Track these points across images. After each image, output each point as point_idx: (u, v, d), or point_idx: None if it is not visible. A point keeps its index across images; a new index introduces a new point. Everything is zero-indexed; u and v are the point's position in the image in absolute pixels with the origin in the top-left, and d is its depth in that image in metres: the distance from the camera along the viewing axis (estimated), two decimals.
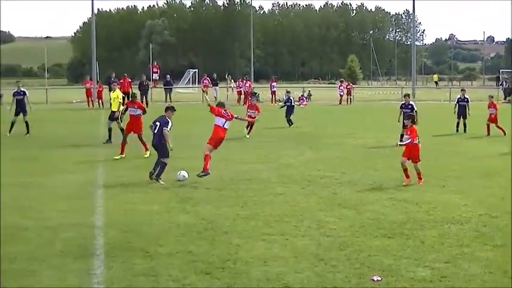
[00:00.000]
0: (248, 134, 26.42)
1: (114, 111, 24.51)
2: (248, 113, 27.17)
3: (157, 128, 16.52)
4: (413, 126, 16.61)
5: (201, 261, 9.71)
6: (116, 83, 29.88)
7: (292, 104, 33.59)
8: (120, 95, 25.67)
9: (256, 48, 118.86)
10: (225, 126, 16.97)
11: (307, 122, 34.38)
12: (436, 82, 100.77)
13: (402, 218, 12.55)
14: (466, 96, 29.62)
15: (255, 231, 11.57)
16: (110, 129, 24.64)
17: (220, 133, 16.88)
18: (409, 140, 16.34)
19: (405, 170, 16.18)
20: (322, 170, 18.41)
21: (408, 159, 16.29)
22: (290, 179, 17.04)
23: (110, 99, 25.44)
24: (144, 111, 21.98)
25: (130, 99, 24.36)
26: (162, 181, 16.04)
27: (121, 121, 24.09)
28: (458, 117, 29.20)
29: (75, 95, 56.44)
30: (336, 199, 14.45)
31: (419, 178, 16.21)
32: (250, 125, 26.22)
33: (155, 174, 16.24)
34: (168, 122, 16.71)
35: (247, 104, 33.57)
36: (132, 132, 21.39)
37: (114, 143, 23.35)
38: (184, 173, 16.42)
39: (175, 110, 17.41)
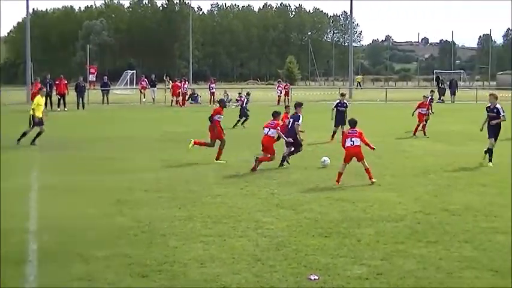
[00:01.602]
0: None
1: (39, 117, 24.41)
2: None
3: None
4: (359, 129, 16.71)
5: (137, 264, 9.61)
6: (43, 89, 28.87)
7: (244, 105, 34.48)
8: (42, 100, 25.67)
9: (195, 49, 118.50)
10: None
11: (248, 122, 34.36)
12: (358, 83, 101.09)
13: (339, 217, 12.66)
14: (345, 101, 27.49)
15: (193, 232, 11.50)
16: (40, 133, 24.47)
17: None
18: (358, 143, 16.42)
19: (340, 174, 16.30)
20: (258, 171, 18.44)
21: (348, 162, 16.48)
22: (229, 180, 17.03)
23: (34, 104, 25.03)
24: None
25: None
26: None
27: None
28: (336, 125, 26.45)
29: (10, 97, 55.20)
30: (274, 199, 14.47)
31: (371, 177, 16.30)
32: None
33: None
34: None
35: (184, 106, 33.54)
36: None
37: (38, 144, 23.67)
38: (326, 159, 18.92)
39: None
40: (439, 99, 57.24)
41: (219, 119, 20.64)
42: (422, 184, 16.33)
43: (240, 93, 54.73)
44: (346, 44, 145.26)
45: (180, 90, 52.35)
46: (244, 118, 33.45)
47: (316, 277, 8.98)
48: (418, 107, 28.58)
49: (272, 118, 18.76)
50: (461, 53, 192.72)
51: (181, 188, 15.70)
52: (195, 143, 20.54)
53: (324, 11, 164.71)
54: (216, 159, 20.08)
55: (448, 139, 26.51)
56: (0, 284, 8.80)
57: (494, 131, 19.26)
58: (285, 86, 55.39)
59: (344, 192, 15.14)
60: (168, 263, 9.67)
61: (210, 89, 54.56)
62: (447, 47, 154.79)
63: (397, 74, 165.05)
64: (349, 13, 76.56)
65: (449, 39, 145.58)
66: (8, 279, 8.99)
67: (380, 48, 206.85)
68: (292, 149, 19.33)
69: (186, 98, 53.25)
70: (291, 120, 19.25)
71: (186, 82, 55.77)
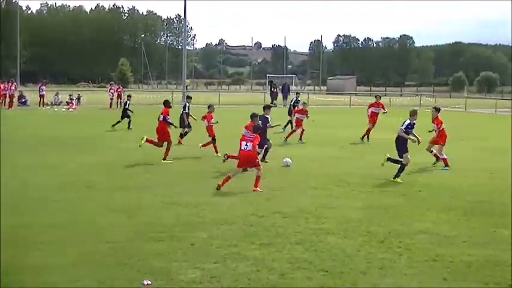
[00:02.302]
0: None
1: None
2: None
3: None
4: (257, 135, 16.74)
5: None
6: None
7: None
8: None
9: (23, 49, 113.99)
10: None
11: (82, 126, 33.54)
12: (186, 86, 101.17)
13: (173, 221, 12.62)
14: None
15: (30, 239, 11.08)
16: None
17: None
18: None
19: (228, 178, 16.21)
20: (100, 175, 18.18)
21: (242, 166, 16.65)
22: (69, 185, 16.51)
23: None
24: None
25: None
26: None
27: None
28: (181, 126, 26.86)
29: None
30: (111, 204, 14.25)
31: (256, 185, 16.20)
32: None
33: None
34: None
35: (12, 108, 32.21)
36: None
37: None
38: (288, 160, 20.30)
39: None
40: (271, 102, 58.67)
41: (167, 120, 21.80)
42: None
43: (70, 95, 53.46)
44: (179, 47, 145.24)
45: (7, 92, 50.00)
46: (128, 119, 33.60)
47: (150, 282, 8.88)
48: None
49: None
50: (293, 58, 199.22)
51: (19, 194, 15.12)
52: (146, 140, 21.37)
53: (157, 14, 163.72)
54: (164, 160, 20.97)
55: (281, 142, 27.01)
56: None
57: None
58: (117, 88, 54.53)
59: (178, 197, 15.10)
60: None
61: (39, 91, 52.58)
62: (280, 52, 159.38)
63: (231, 77, 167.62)
64: (182, 16, 76.52)
65: (282, 44, 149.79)
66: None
67: (213, 52, 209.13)
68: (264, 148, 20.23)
69: (14, 100, 50.96)
70: (260, 122, 18.75)
71: (13, 84, 53.42)
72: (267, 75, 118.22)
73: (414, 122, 18.44)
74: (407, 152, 18.22)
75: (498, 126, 38.65)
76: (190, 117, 26.72)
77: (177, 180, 17.40)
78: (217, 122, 23.55)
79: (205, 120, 23.67)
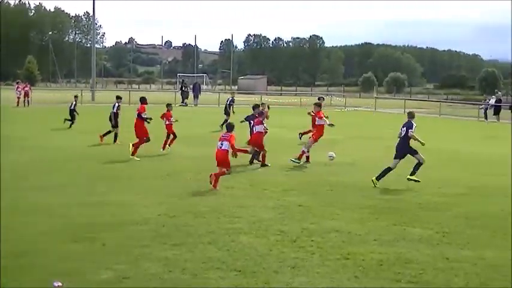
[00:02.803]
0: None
1: None
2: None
3: None
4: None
5: None
6: None
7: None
8: None
9: None
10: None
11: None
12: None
13: (87, 222, 12.39)
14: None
15: None
16: None
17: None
18: None
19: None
20: (14, 174, 17.76)
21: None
22: None
23: None
24: None
25: None
26: None
27: None
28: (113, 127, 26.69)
29: None
30: (25, 204, 13.93)
31: (215, 185, 16.32)
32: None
33: None
34: None
35: None
36: None
37: None
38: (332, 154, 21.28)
39: None
40: (182, 102, 58.45)
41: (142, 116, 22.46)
42: (169, 187, 16.48)
43: None
44: (88, 45, 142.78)
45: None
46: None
47: (60, 284, 8.66)
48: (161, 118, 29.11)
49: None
50: (204, 57, 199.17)
51: None
52: (133, 146, 21.83)
53: (65, 11, 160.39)
54: (132, 155, 21.52)
55: (194, 142, 26.79)
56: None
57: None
58: (23, 87, 53.10)
59: (91, 197, 14.83)
60: None
61: None
62: (190, 51, 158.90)
63: (141, 76, 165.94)
64: (91, 14, 75.25)
65: (193, 43, 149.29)
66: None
67: (123, 51, 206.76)
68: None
69: None
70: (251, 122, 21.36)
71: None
72: (178, 74, 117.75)
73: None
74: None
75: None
76: (117, 116, 26.23)
77: (92, 181, 17.06)
78: (176, 121, 23.92)
79: (165, 119, 23.89)
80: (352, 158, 22.84)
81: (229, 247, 10.88)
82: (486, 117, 48.72)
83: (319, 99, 29.92)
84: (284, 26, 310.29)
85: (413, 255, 10.70)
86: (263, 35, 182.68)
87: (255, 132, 21.32)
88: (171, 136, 23.82)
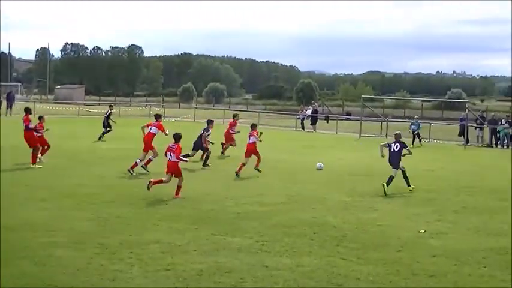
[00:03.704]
0: None
1: None
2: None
3: None
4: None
5: None
6: None
7: None
8: None
9: None
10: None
11: None
12: None
13: None
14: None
15: None
16: None
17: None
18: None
19: (160, 181, 17.28)
20: None
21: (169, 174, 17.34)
22: None
23: None
24: None
25: None
26: None
27: None
28: None
29: None
30: None
31: (177, 193, 17.10)
32: None
33: None
34: None
35: None
36: None
37: None
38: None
39: None
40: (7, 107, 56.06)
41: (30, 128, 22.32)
42: None
43: None
44: None
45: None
46: None
47: None
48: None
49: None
50: (18, 66, 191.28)
51: None
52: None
53: None
54: (32, 164, 21.69)
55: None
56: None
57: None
58: None
59: None
60: None
61: None
62: (4, 59, 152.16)
63: None
64: None
65: (7, 51, 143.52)
66: None
67: None
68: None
69: None
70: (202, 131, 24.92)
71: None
72: None
73: None
74: None
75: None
76: None
77: None
78: (47, 130, 23.62)
79: (36, 130, 23.09)
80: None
81: (46, 261, 10.46)
82: (303, 127, 50.38)
83: (234, 116, 29.85)
84: (103, 35, 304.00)
85: (234, 264, 10.81)
86: (81, 43, 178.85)
87: (249, 142, 22.61)
88: (46, 147, 23.50)
